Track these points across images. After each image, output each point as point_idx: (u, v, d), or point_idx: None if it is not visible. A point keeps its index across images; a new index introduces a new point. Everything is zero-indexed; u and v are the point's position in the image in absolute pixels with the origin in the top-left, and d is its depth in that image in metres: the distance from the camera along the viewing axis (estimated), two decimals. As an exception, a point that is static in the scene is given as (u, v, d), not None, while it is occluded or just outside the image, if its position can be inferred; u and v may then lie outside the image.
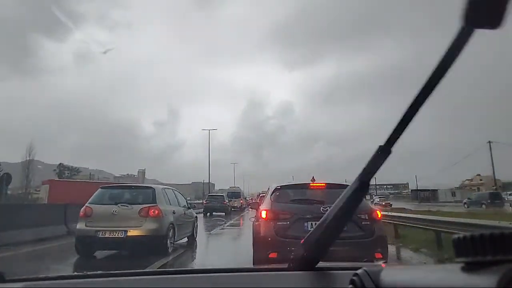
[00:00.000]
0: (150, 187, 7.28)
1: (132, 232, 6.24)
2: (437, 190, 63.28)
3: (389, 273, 0.60)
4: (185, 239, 8.71)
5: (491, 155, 42.12)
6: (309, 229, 4.49)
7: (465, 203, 34.06)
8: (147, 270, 1.35)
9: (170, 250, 6.83)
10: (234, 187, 42.49)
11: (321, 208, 4.53)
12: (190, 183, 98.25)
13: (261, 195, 18.58)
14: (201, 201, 35.00)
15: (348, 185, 4.00)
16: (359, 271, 0.65)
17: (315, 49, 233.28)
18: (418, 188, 67.89)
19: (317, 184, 5.18)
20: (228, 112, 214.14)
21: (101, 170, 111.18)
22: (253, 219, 5.68)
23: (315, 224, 2.85)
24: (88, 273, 1.00)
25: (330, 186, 5.07)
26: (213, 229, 13.51)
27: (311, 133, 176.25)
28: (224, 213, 22.94)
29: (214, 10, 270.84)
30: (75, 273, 1.05)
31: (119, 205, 6.54)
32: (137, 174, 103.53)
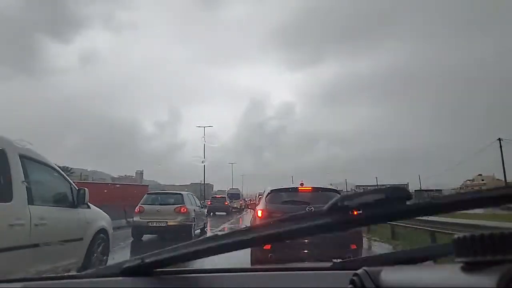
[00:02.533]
0: (180, 193, 10.68)
1: (171, 223, 9.60)
2: (441, 190, 59.99)
3: (389, 273, 0.59)
4: (199, 231, 12.02)
5: (502, 152, 40.73)
6: None
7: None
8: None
9: (193, 234, 10.18)
10: (233, 188, 43.72)
11: (307, 208, 5.20)
12: (189, 184, 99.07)
13: (259, 196, 20.51)
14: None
15: (330, 188, 6.56)
16: (359, 271, 0.64)
17: (317, 50, 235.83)
18: (422, 189, 63.70)
19: (305, 188, 5.80)
20: (229, 113, 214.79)
21: (99, 171, 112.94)
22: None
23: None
24: (87, 273, 1.00)
25: (315, 189, 5.81)
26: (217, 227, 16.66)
27: (312, 133, 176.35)
28: (225, 213, 26.18)
29: (216, 11, 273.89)
30: (75, 273, 1.03)
31: (161, 204, 9.97)
32: (134, 175, 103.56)
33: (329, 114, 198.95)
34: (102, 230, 5.45)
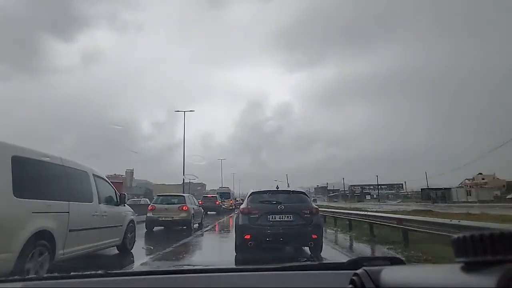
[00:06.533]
0: (183, 195, 13.51)
1: (176, 218, 12.36)
2: (450, 188, 57.98)
3: (389, 273, 0.60)
4: (197, 225, 14.74)
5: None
6: (271, 220, 6.38)
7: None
8: (146, 270, 1.39)
9: (192, 228, 12.97)
10: (223, 187, 42.18)
11: (278, 206, 6.45)
12: (180, 183, 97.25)
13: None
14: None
15: (299, 191, 8.67)
16: (359, 271, 0.65)
17: (316, 51, 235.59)
18: (429, 187, 61.68)
19: (279, 190, 7.05)
20: (227, 113, 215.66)
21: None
22: None
23: (274, 217, 6.62)
24: (87, 273, 1.01)
25: (287, 192, 7.11)
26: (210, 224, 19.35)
27: (310, 133, 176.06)
28: (215, 212, 27.27)
29: (216, 13, 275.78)
30: (74, 273, 1.05)
31: (168, 204, 12.84)
32: (124, 174, 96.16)
33: (327, 114, 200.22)
34: (132, 221, 8.22)
